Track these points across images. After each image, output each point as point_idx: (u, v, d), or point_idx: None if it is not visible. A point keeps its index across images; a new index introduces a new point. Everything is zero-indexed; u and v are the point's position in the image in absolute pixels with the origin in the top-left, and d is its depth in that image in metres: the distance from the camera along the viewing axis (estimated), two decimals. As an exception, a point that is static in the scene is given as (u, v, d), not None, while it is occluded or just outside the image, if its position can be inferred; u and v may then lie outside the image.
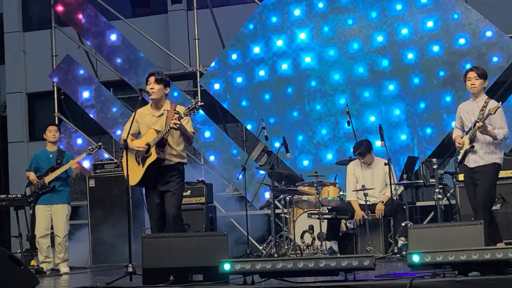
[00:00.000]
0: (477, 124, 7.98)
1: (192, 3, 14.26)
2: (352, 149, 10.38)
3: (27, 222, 10.77)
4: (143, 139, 7.96)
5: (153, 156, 7.83)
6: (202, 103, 7.81)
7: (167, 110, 8.00)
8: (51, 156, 10.27)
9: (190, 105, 7.77)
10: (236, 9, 16.74)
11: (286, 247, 10.27)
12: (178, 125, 7.70)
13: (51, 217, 10.17)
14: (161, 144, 7.85)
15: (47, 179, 10.10)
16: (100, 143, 10.61)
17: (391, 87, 12.41)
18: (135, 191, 8.48)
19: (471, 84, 8.21)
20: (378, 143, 10.46)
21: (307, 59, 12.90)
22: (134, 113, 8.03)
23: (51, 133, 10.28)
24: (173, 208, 7.82)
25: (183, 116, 7.71)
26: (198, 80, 13.85)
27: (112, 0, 15.31)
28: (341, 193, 10.57)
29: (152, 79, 8.01)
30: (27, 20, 19.70)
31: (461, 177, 9.83)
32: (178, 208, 7.85)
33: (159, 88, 7.98)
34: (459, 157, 8.27)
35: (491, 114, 7.91)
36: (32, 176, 10.20)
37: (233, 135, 15.72)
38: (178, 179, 7.96)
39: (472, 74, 8.20)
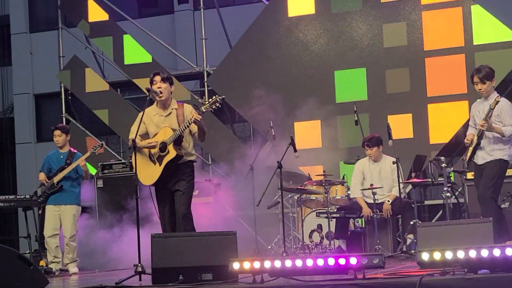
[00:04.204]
0: (479, 122, 8.04)
1: (198, 3, 14.28)
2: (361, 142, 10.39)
3: (36, 222, 10.80)
4: (157, 138, 7.93)
5: (172, 153, 7.82)
6: (223, 97, 7.80)
7: (175, 109, 8.00)
8: (61, 157, 10.36)
9: (211, 99, 7.73)
10: (243, 9, 16.76)
11: (294, 246, 10.28)
12: (199, 120, 7.66)
13: (60, 217, 10.22)
14: (178, 141, 7.87)
15: (56, 179, 10.18)
16: (102, 142, 10.63)
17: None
18: (144, 191, 8.47)
19: (479, 89, 8.22)
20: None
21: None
22: (141, 113, 7.99)
23: (55, 138, 10.36)
24: (183, 206, 7.85)
25: (204, 111, 7.70)
26: (206, 80, 13.88)
27: (119, 0, 15.35)
28: (349, 192, 10.58)
29: (158, 78, 7.96)
30: (34, 21, 19.72)
31: (469, 175, 9.86)
32: (187, 207, 7.87)
33: (166, 86, 7.96)
34: (468, 154, 8.28)
35: (491, 109, 7.95)
36: (41, 176, 10.30)
37: (240, 135, 15.73)
38: (188, 178, 7.97)
39: (476, 79, 8.20)
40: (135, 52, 14.23)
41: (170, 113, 8.00)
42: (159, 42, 14.55)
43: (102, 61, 15.46)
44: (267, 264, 6.32)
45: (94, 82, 14.59)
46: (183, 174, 7.96)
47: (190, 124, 7.74)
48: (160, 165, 7.89)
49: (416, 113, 12.33)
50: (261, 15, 13.49)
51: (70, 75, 14.58)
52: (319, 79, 12.91)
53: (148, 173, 7.93)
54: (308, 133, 12.68)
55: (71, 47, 15.00)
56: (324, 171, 10.26)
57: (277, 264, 6.31)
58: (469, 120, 8.67)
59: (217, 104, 7.71)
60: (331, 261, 6.23)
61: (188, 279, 6.72)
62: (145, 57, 14.13)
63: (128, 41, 14.30)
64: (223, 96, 7.85)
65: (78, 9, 14.59)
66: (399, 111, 12.30)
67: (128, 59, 14.26)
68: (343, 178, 10.95)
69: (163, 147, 7.87)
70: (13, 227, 17.90)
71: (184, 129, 7.80)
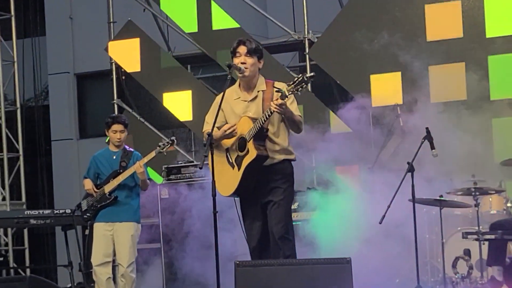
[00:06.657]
0: None
1: (298, -50, 14.34)
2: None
3: (79, 246, 10.99)
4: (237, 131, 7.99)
5: (252, 153, 7.83)
6: (313, 74, 7.63)
7: (263, 91, 8.01)
8: (114, 157, 10.31)
9: (296, 79, 7.61)
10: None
11: (432, 279, 10.23)
12: (282, 107, 7.65)
13: (113, 239, 10.34)
14: (261, 136, 7.84)
15: (107, 188, 10.22)
16: (173, 138, 10.52)
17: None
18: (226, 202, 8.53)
19: None
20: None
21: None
22: (219, 97, 7.95)
23: (116, 134, 10.27)
24: (279, 224, 7.86)
25: (287, 94, 7.63)
26: (307, 51, 13.90)
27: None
28: (508, 204, 10.46)
29: (243, 49, 7.98)
30: (74, -24, 20.04)
31: None
32: (285, 224, 7.88)
33: (253, 62, 7.99)
34: None
35: None
36: (88, 184, 10.31)
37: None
38: (285, 185, 7.99)
39: None
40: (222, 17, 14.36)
41: (256, 96, 8.04)
42: (245, 2, 14.58)
43: (166, 27, 15.55)
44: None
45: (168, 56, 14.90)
46: (277, 180, 7.97)
47: (271, 113, 7.71)
48: (239, 169, 7.93)
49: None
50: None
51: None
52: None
53: (226, 180, 7.98)
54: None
55: (125, 10, 15.13)
56: (473, 176, 10.15)
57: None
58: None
59: (304, 85, 7.58)
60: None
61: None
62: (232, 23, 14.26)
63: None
64: (313, 73, 7.68)
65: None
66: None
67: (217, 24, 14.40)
68: (500, 185, 10.81)
69: (242, 144, 7.92)
70: (50, 252, 18.26)
71: (265, 120, 7.76)
